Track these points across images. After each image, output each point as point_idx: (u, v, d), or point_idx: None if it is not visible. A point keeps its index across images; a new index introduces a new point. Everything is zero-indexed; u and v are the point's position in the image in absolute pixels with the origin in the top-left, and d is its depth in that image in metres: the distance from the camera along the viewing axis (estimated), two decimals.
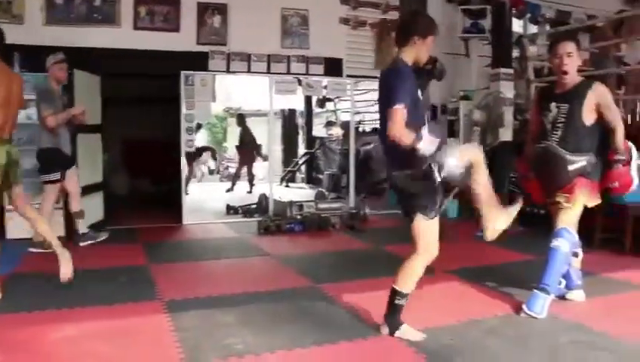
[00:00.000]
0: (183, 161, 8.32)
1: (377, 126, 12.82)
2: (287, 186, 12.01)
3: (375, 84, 11.45)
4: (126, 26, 7.26)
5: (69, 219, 6.20)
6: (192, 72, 7.65)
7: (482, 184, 3.37)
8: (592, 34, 8.88)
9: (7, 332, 3.42)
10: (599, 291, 4.27)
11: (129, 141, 10.32)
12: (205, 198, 10.94)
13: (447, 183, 3.26)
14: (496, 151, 7.15)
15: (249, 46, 7.86)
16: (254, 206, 8.51)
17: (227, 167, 16.21)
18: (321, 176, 13.12)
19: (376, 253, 6.03)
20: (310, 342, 3.26)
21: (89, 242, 5.99)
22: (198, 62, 7.65)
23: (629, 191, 3.85)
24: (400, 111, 3.01)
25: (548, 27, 9.14)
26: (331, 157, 12.91)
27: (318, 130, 14.30)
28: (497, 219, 3.47)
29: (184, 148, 7.83)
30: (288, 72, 8.15)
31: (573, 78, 3.82)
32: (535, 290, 3.77)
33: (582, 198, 3.78)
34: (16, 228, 6.27)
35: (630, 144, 3.82)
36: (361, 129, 12.94)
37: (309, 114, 14.36)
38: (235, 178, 12.50)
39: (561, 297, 4.04)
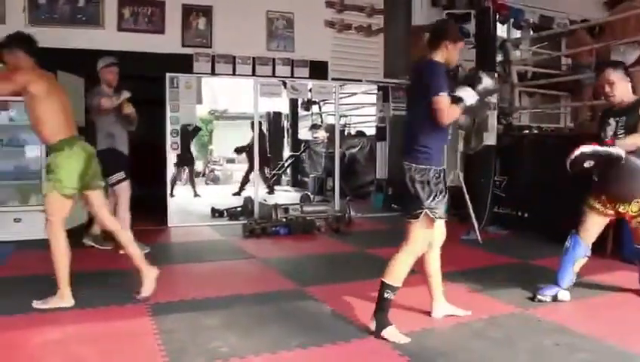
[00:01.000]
0: (169, 163, 8.28)
1: (361, 129, 12.89)
2: (270, 193, 11.84)
3: (359, 88, 11.52)
4: (110, 27, 7.23)
5: None
6: (176, 74, 7.62)
7: None
8: (567, 39, 8.98)
9: None
10: (582, 294, 4.32)
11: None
12: (191, 201, 10.92)
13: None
14: (480, 154, 7.20)
15: (234, 48, 7.86)
16: (239, 209, 8.49)
17: (213, 170, 16.17)
18: (306, 179, 13.13)
19: (361, 255, 6.04)
20: (295, 345, 3.26)
21: (93, 245, 5.89)
22: (182, 64, 7.62)
23: None
24: (444, 98, 3.22)
25: (531, 32, 9.22)
26: (316, 160, 12.92)
27: (304, 133, 14.29)
28: None
29: (169, 151, 7.79)
30: (273, 75, 8.15)
31: (627, 97, 4.01)
32: None
33: None
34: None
35: None
36: (346, 132, 12.97)
37: (294, 117, 14.35)
38: (244, 181, 12.21)
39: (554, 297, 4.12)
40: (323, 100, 11.95)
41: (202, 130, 14.64)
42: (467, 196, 6.55)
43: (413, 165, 3.34)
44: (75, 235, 6.32)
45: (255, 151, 8.80)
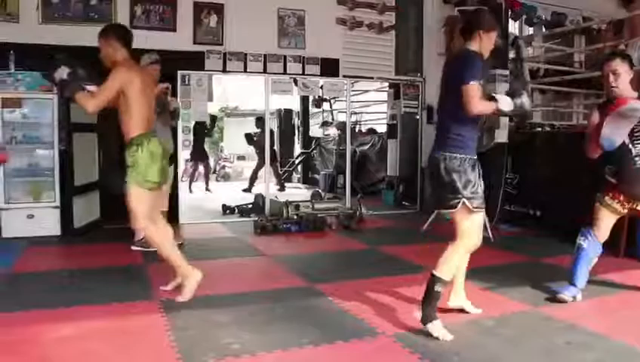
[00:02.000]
0: (180, 160, 8.31)
1: (372, 126, 12.90)
2: (281, 190, 11.84)
3: (371, 85, 11.50)
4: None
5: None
6: (188, 71, 7.66)
7: None
8: (589, 36, 8.92)
9: (4, 331, 3.42)
10: (594, 292, 4.30)
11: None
12: (201, 197, 10.96)
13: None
14: (492, 152, 7.16)
15: (245, 46, 7.87)
16: (250, 206, 8.51)
17: (223, 167, 16.21)
18: (317, 177, 13.14)
19: (373, 253, 6.04)
20: (306, 342, 3.26)
21: (140, 249, 5.75)
22: (194, 61, 7.65)
23: None
24: (475, 87, 3.23)
25: (544, 29, 9.17)
26: (327, 158, 12.93)
27: (315, 131, 14.31)
28: None
29: (181, 148, 7.82)
30: (285, 72, 8.16)
31: (629, 93, 3.94)
32: None
33: None
34: (12, 227, 6.28)
35: None
36: (357, 129, 12.96)
37: (305, 114, 14.37)
38: (253, 178, 12.19)
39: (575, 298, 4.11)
40: (334, 98, 11.95)
41: (218, 118, 14.71)
42: None
43: (448, 154, 3.36)
44: (92, 230, 6.41)
45: (266, 148, 8.81)
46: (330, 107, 13.85)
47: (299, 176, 14.39)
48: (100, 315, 3.74)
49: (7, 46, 6.45)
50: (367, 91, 12.27)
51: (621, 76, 3.91)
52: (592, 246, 4.08)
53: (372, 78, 9.13)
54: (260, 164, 11.83)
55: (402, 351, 3.17)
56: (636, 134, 3.92)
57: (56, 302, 3.97)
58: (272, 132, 11.97)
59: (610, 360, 3.09)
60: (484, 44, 3.46)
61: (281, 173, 12.41)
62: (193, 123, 11.30)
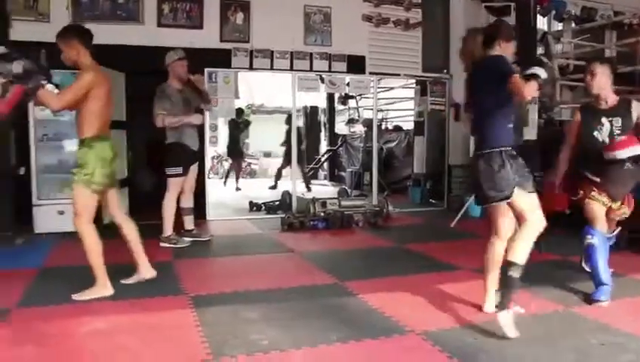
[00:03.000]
0: (207, 157, 8.36)
1: (398, 123, 12.81)
2: (308, 190, 11.79)
3: (396, 82, 11.44)
4: (150, 23, 7.33)
5: None
6: (215, 69, 7.71)
7: None
8: (620, 30, 8.75)
9: (38, 325, 3.48)
10: (626, 293, 4.22)
11: (153, 138, 10.36)
12: (229, 195, 11.02)
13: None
14: (521, 149, 7.07)
15: (272, 43, 7.89)
16: (277, 202, 8.53)
17: (249, 164, 16.26)
18: (343, 174, 13.12)
19: (400, 250, 6.02)
20: (334, 339, 3.26)
21: (169, 245, 5.85)
22: (221, 59, 7.69)
23: None
24: (518, 77, 3.27)
25: (573, 24, 9.01)
26: (354, 155, 12.89)
27: (341, 128, 14.28)
28: None
29: (208, 145, 7.86)
30: (311, 69, 8.16)
31: (611, 95, 4.24)
32: None
33: None
34: (44, 222, 6.38)
35: None
36: (383, 126, 12.91)
37: (331, 111, 14.35)
38: (278, 175, 12.18)
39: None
40: (360, 95, 11.91)
41: (250, 122, 14.88)
42: None
43: (489, 151, 3.47)
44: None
45: (293, 145, 8.83)
46: (357, 104, 13.82)
47: (325, 173, 14.37)
48: (130, 310, 3.79)
49: (38, 45, 6.54)
50: (393, 88, 12.21)
51: (597, 77, 4.18)
52: (601, 241, 4.13)
53: (398, 75, 9.09)
54: (286, 163, 11.81)
55: (431, 349, 3.15)
56: (615, 135, 4.13)
57: None
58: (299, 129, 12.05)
59: None
60: (503, 53, 3.56)
61: (307, 172, 12.34)
62: (229, 120, 11.45)
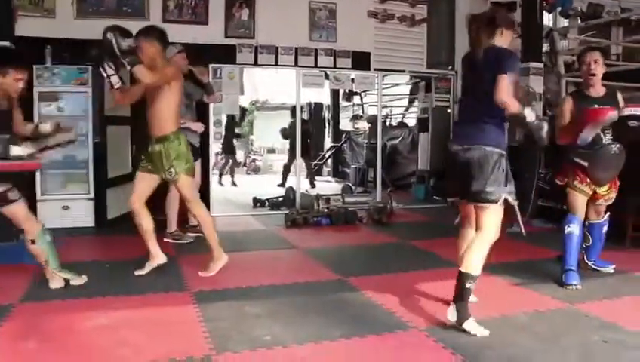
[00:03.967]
0: (211, 153, 8.36)
1: (404, 120, 12.79)
2: (312, 187, 11.73)
3: (401, 79, 11.39)
4: (155, 18, 7.30)
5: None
6: (220, 64, 7.71)
7: None
8: (627, 27, 8.70)
9: (42, 319, 3.49)
10: (630, 290, 4.22)
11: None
12: (230, 190, 11.03)
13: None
14: (525, 146, 7.06)
15: (276, 39, 7.88)
16: (281, 199, 8.53)
17: (254, 160, 16.29)
18: (347, 170, 13.12)
19: (404, 247, 6.02)
20: (338, 335, 3.26)
21: (172, 241, 5.83)
22: (226, 55, 7.69)
23: None
24: (506, 79, 3.24)
25: (579, 21, 8.98)
26: (358, 151, 12.89)
27: (345, 124, 14.28)
28: None
29: (212, 141, 7.87)
30: (316, 66, 8.16)
31: (600, 85, 4.40)
32: None
33: None
34: (48, 218, 6.38)
35: None
36: (388, 123, 12.90)
37: (335, 107, 14.34)
38: (286, 172, 12.08)
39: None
40: (364, 91, 11.89)
41: (248, 112, 14.88)
42: None
43: (484, 147, 3.37)
44: (125, 221, 6.49)
45: (297, 140, 8.82)
46: (361, 100, 13.81)
47: (329, 169, 14.37)
48: (134, 305, 3.79)
49: (44, 41, 6.57)
50: (398, 85, 12.19)
51: (600, 64, 4.33)
52: (581, 230, 4.34)
53: (403, 71, 9.08)
54: (292, 158, 11.78)
55: (435, 345, 3.15)
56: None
57: (91, 291, 4.05)
58: (304, 123, 11.99)
59: None
60: (504, 41, 3.49)
61: (312, 168, 12.29)
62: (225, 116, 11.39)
